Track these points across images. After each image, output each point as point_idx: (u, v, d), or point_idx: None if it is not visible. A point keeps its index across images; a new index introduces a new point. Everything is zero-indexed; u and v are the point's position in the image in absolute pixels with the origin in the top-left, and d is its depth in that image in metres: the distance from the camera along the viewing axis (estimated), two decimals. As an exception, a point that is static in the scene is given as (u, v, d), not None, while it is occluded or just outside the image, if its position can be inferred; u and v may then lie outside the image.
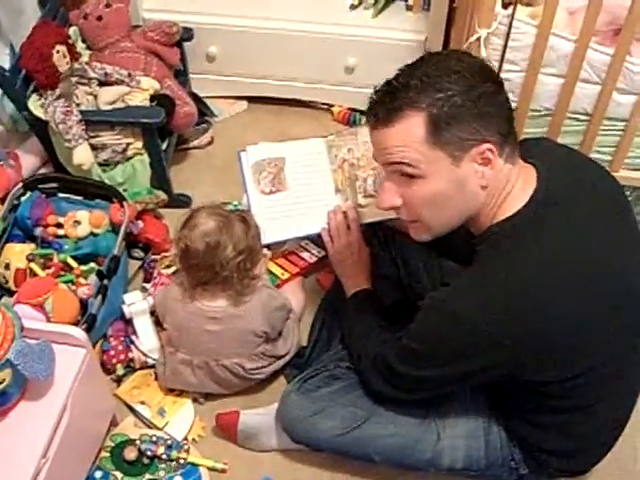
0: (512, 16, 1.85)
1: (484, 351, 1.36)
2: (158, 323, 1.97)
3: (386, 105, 1.35)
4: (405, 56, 2.47)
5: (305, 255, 2.19)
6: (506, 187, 1.39)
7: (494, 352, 1.35)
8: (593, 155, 2.04)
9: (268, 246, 2.05)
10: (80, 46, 2.32)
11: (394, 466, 1.70)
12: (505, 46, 1.89)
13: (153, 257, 2.21)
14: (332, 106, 2.74)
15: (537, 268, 1.32)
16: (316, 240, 2.17)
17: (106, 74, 2.21)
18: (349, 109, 2.71)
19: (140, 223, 2.18)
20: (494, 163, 1.35)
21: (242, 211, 1.87)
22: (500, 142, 1.35)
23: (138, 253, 2.24)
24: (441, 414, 1.64)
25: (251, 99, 2.77)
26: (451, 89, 1.31)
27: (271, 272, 2.12)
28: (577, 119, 2.04)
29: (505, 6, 1.92)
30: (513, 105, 1.92)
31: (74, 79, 2.17)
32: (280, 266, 2.16)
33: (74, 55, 2.18)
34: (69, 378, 1.58)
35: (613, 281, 1.37)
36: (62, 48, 2.11)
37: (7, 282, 2.02)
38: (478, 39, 1.87)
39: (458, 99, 1.31)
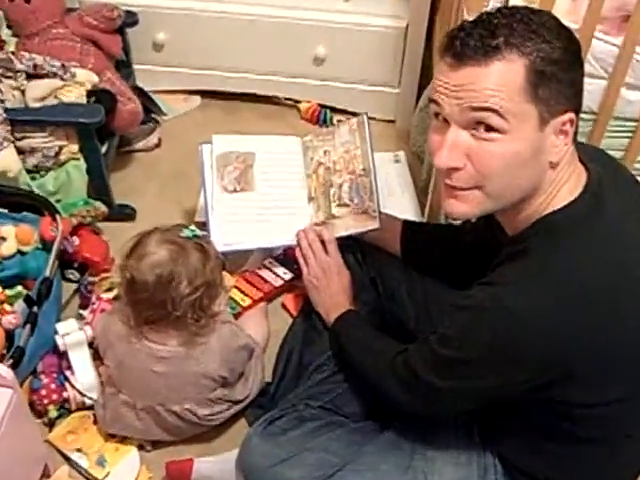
0: (506, 1, 1.87)
1: (537, 357, 1.35)
2: (98, 357, 1.96)
3: (484, 40, 1.33)
4: (382, 45, 2.54)
5: (269, 277, 2.20)
6: (566, 172, 1.40)
7: (549, 359, 1.34)
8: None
9: (225, 255, 2.03)
10: (5, 33, 2.32)
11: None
12: (498, 35, 1.91)
13: (91, 279, 2.20)
14: (299, 102, 2.76)
15: (604, 272, 1.34)
16: (282, 259, 2.17)
17: (35, 65, 2.20)
18: (319, 105, 2.73)
19: (76, 240, 2.17)
20: (569, 138, 1.37)
21: (200, 238, 1.85)
22: (576, 117, 1.37)
23: (73, 274, 2.22)
24: (428, 460, 1.63)
25: (205, 94, 2.78)
26: (553, 43, 1.32)
27: (230, 298, 2.12)
28: (581, 118, 2.03)
29: (496, -10, 1.95)
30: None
31: (-3, 71, 2.16)
32: (240, 290, 2.15)
33: (-2, 43, 2.18)
34: (-7, 423, 1.57)
35: None
36: (-17, 36, 2.10)
37: None
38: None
39: (559, 56, 1.32)
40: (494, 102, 1.32)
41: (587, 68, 1.92)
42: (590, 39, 1.90)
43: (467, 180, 1.39)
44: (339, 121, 2.38)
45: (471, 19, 1.37)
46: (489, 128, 1.33)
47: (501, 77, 1.32)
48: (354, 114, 2.55)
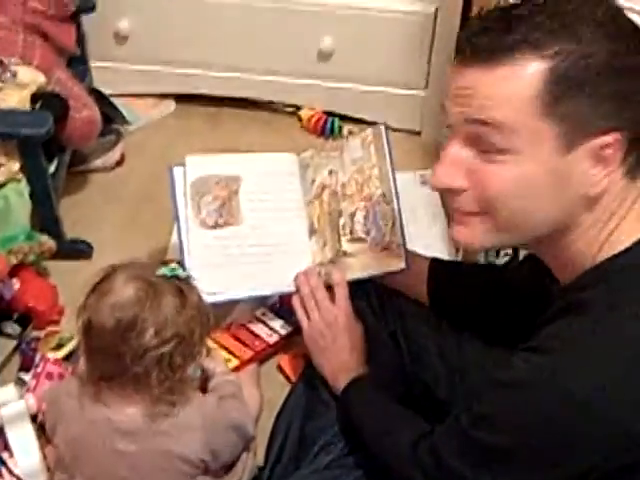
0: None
1: (602, 447, 1.33)
2: (44, 434, 1.94)
3: (495, 37, 1.32)
4: (405, 36, 2.54)
5: (262, 332, 2.19)
6: (620, 210, 1.38)
7: (618, 447, 1.32)
8: None
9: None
10: None
11: None
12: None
13: (35, 334, 2.20)
14: (300, 109, 2.77)
15: None
16: (278, 309, 2.16)
17: (-34, 63, 2.21)
18: (324, 113, 2.74)
19: (15, 283, 2.17)
20: (614, 166, 1.34)
21: (180, 280, 1.83)
22: (630, 140, 1.33)
23: (12, 328, 2.21)
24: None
25: (181, 98, 2.80)
26: (591, 44, 1.29)
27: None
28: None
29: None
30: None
31: None
32: (225, 348, 2.14)
33: None
34: None
35: None
36: None
37: None
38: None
39: (597, 60, 1.29)
40: (490, 115, 1.31)
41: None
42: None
43: (471, 204, 1.40)
44: (350, 133, 2.36)
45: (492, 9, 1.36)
46: (493, 146, 1.33)
47: (512, 83, 1.30)
48: (369, 123, 2.55)
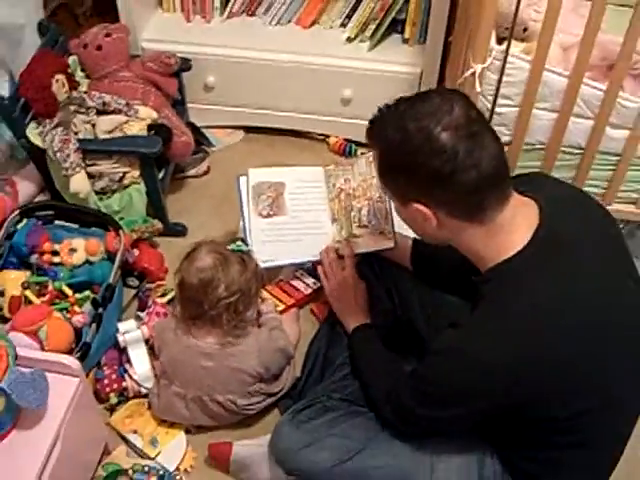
0: (506, 51, 1.88)
1: (499, 390, 1.37)
2: (152, 353, 1.97)
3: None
4: (400, 88, 2.54)
5: (300, 286, 2.20)
6: (491, 237, 1.38)
7: (508, 391, 1.36)
8: (586, 188, 2.06)
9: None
10: (79, 75, 2.34)
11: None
12: (499, 81, 1.92)
13: (148, 286, 2.21)
14: (328, 137, 2.76)
15: (539, 314, 1.33)
16: (311, 270, 2.18)
17: (104, 103, 2.23)
18: (345, 140, 2.73)
19: (135, 252, 2.19)
20: (435, 221, 1.39)
21: (244, 253, 1.87)
22: (441, 207, 1.37)
23: (133, 281, 2.23)
24: (435, 446, 1.63)
25: (248, 129, 2.79)
26: (392, 140, 1.36)
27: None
28: (571, 153, 2.07)
29: (500, 41, 1.95)
30: (506, 139, 1.98)
31: (72, 108, 2.19)
32: (275, 297, 2.16)
33: (73, 84, 2.20)
34: (62, 407, 1.58)
35: (611, 326, 1.38)
36: (61, 77, 2.12)
37: (1, 309, 2.01)
38: (473, 74, 1.90)
39: (392, 153, 1.37)
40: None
41: (576, 109, 1.96)
42: (579, 84, 1.90)
43: None
44: (362, 153, 2.36)
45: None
46: None
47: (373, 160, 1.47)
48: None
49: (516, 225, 1.38)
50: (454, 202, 1.36)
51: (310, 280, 2.21)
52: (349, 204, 2.06)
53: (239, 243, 1.85)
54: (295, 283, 2.21)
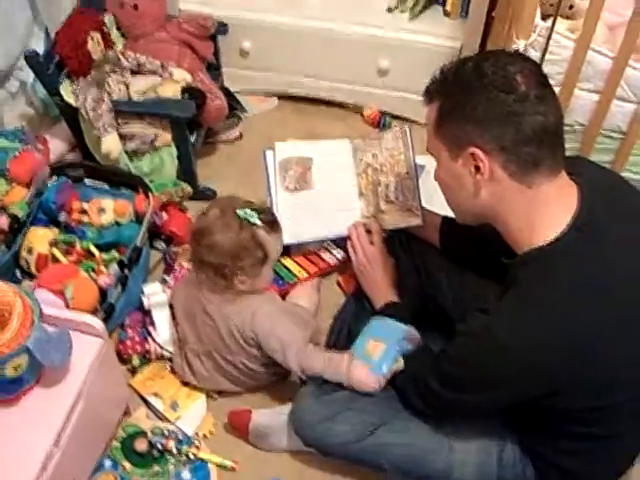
0: (551, 28, 1.83)
1: (525, 378, 1.36)
2: (174, 317, 1.97)
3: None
4: (438, 62, 2.46)
5: (326, 256, 2.17)
6: (532, 210, 1.37)
7: (535, 380, 1.35)
8: (624, 174, 2.02)
9: (289, 247, 2.05)
10: (115, 34, 2.33)
11: (404, 475, 1.68)
12: (542, 59, 1.88)
13: (175, 249, 2.21)
14: (363, 108, 2.72)
15: (571, 306, 1.31)
16: (339, 242, 2.16)
17: (139, 64, 2.22)
18: (380, 112, 2.69)
19: (164, 215, 2.19)
20: (488, 172, 1.36)
21: (250, 224, 1.77)
22: (498, 153, 1.34)
23: (160, 244, 2.23)
24: (455, 426, 1.62)
25: (282, 97, 2.76)
26: (456, 87, 1.38)
27: (289, 270, 2.11)
28: (611, 137, 2.02)
29: (544, 18, 1.90)
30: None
31: (107, 67, 2.17)
32: (299, 264, 2.14)
33: (108, 43, 2.19)
34: (85, 366, 1.58)
35: None
36: (97, 35, 2.11)
37: (29, 266, 2.02)
38: (516, 50, 1.85)
39: (458, 98, 1.37)
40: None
41: (620, 92, 1.90)
42: (625, 66, 1.85)
43: None
44: (396, 126, 2.31)
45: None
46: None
47: (427, 117, 1.46)
48: (410, 121, 2.53)
49: (557, 207, 1.36)
50: (514, 148, 1.33)
51: (336, 251, 2.18)
52: (376, 179, 2.03)
53: (249, 212, 1.76)
54: (321, 252, 2.17)
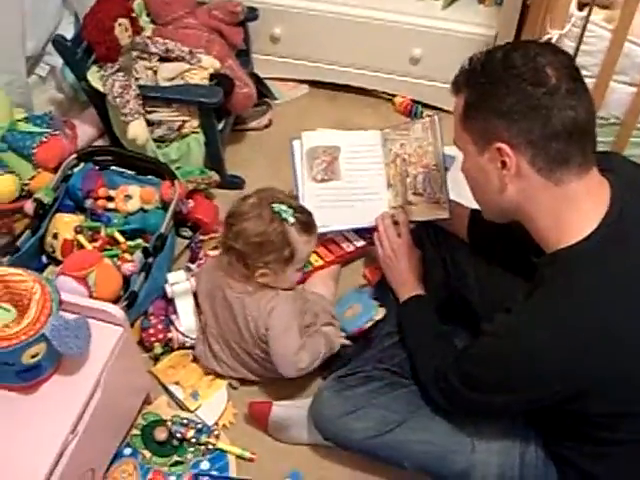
0: (587, 18, 1.78)
1: (547, 381, 1.33)
2: (198, 305, 1.96)
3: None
4: (472, 50, 2.41)
5: (344, 244, 2.14)
6: (560, 208, 1.33)
7: (558, 383, 1.32)
8: (661, 169, 1.95)
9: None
10: (144, 20, 2.31)
11: (424, 474, 1.66)
12: (577, 49, 1.82)
13: (201, 237, 2.19)
14: (394, 96, 2.67)
15: (597, 309, 1.28)
16: (361, 230, 2.12)
17: (167, 50, 2.20)
18: (411, 100, 2.64)
19: (190, 202, 2.16)
20: (514, 168, 1.32)
21: (283, 220, 1.76)
22: (525, 148, 1.30)
23: (186, 232, 2.22)
24: (477, 426, 1.59)
25: (312, 84, 2.72)
26: (484, 79, 1.34)
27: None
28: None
29: (580, 7, 1.84)
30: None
31: (135, 53, 2.16)
32: (315, 252, 2.09)
33: (136, 29, 2.16)
34: (104, 355, 1.58)
35: None
36: (124, 21, 2.09)
37: (55, 252, 2.03)
38: (549, 40, 1.80)
39: (485, 90, 1.33)
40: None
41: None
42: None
43: None
44: (428, 115, 2.26)
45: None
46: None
47: (455, 109, 1.43)
48: (443, 110, 2.48)
49: (586, 205, 1.32)
50: (542, 143, 1.29)
51: (355, 238, 2.14)
52: (404, 170, 1.99)
53: (283, 208, 1.76)
54: (338, 240, 2.14)
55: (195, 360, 1.96)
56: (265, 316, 1.78)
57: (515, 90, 1.29)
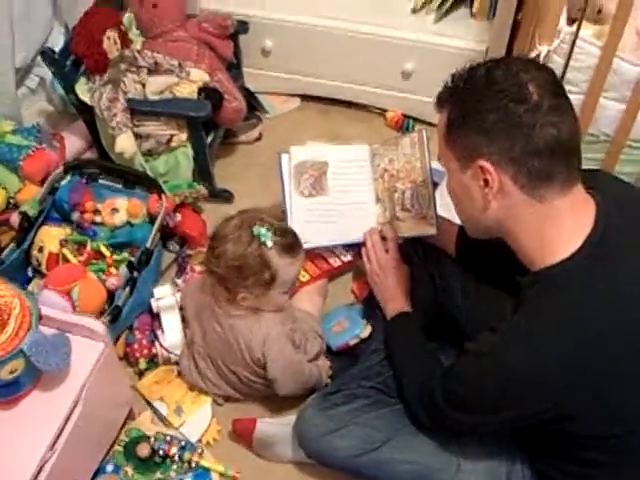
0: (576, 34, 1.77)
1: (531, 402, 1.32)
2: (184, 320, 1.94)
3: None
4: (464, 64, 2.43)
5: (331, 259, 2.12)
6: (544, 226, 1.31)
7: (542, 403, 1.31)
8: (651, 186, 1.94)
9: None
10: (134, 33, 2.30)
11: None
12: (566, 65, 1.81)
13: (188, 252, 2.18)
14: (386, 111, 2.66)
15: (578, 331, 1.26)
16: (346, 245, 2.10)
17: (156, 63, 2.18)
18: (403, 115, 2.63)
19: (178, 216, 2.15)
20: (497, 185, 1.31)
21: (261, 244, 1.72)
22: (507, 165, 1.29)
23: (174, 246, 2.20)
24: (462, 446, 1.57)
25: (304, 97, 2.71)
26: (466, 95, 1.33)
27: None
28: (639, 147, 1.94)
29: (572, 22, 1.83)
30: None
31: (123, 66, 2.14)
32: (302, 268, 2.06)
33: (125, 42, 2.15)
34: (85, 371, 1.56)
35: None
36: (113, 34, 2.08)
37: (40, 265, 2.01)
38: (538, 56, 1.79)
39: (467, 106, 1.32)
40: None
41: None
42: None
43: None
44: (419, 129, 2.26)
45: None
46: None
47: (438, 124, 1.43)
48: (434, 125, 2.46)
49: (570, 223, 1.31)
50: (524, 160, 1.28)
51: (342, 253, 2.12)
52: (393, 185, 1.98)
53: (265, 232, 1.72)
54: (325, 254, 2.11)
55: (180, 375, 1.93)
56: (259, 342, 1.76)
57: (497, 107, 1.28)
